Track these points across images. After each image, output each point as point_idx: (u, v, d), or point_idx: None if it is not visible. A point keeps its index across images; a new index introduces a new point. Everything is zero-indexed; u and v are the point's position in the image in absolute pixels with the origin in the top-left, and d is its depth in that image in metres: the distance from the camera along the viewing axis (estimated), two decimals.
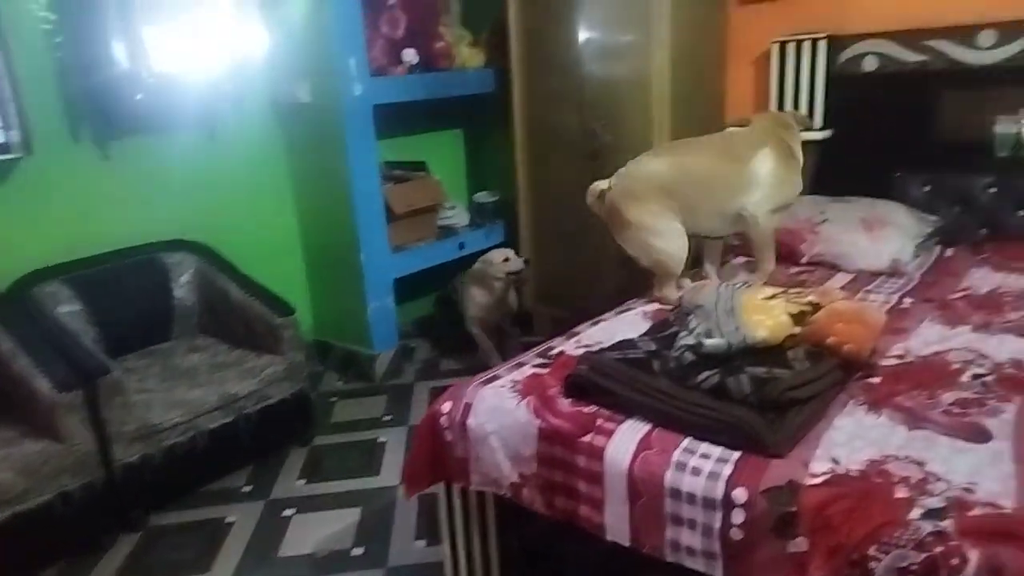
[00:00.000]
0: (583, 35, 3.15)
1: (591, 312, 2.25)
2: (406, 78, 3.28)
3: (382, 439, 2.78)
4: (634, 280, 3.10)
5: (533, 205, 3.58)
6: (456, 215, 3.73)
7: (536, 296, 3.70)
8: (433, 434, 1.75)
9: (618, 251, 2.47)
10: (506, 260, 3.19)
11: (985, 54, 2.59)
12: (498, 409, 1.66)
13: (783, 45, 3.00)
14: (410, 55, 3.28)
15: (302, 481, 2.54)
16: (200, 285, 2.88)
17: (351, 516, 2.30)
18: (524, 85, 3.43)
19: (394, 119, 3.46)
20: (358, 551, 2.13)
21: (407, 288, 3.61)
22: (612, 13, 3.05)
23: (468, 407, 1.70)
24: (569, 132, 3.30)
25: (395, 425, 2.90)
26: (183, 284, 2.86)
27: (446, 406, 1.74)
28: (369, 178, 3.16)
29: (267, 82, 3.20)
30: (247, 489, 2.51)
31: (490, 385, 1.74)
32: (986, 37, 2.57)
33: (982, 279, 2.27)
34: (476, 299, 3.28)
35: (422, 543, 2.14)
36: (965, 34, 2.60)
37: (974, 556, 1.07)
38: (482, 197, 3.90)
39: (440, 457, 1.75)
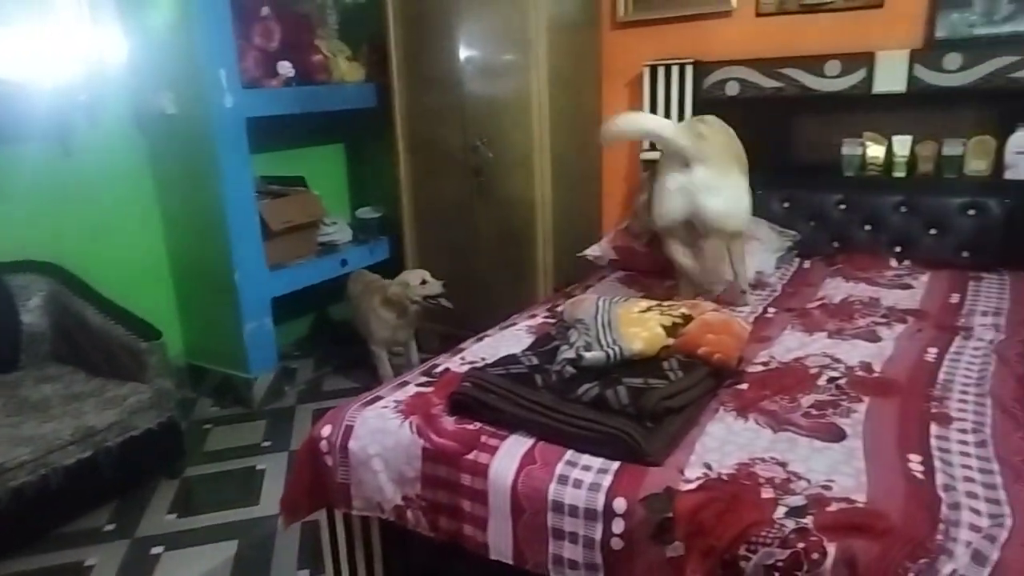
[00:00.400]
0: (463, 54, 3.17)
1: (479, 328, 2.25)
2: (282, 91, 3.18)
3: (261, 466, 2.66)
4: (520, 294, 3.16)
5: (418, 221, 3.56)
6: (338, 231, 3.64)
7: (421, 314, 3.66)
8: (313, 459, 1.68)
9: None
10: (423, 283, 3.05)
11: (832, 82, 2.82)
12: (380, 431, 1.62)
13: (654, 68, 3.15)
14: (285, 67, 3.19)
15: (172, 516, 2.38)
16: (53, 309, 2.65)
17: (227, 550, 2.18)
18: (405, 101, 3.41)
19: (271, 133, 3.35)
20: None
21: (288, 307, 3.48)
22: (491, 34, 3.09)
23: (349, 430, 1.65)
24: (452, 148, 3.31)
25: (275, 451, 2.77)
26: (32, 308, 2.63)
27: (326, 430, 1.68)
28: (243, 193, 3.03)
29: (128, 92, 3.01)
30: (110, 528, 2.33)
31: (372, 407, 1.70)
32: (832, 67, 2.80)
33: (835, 289, 2.46)
34: (385, 320, 3.13)
35: (305, 573, 2.05)
36: (814, 63, 2.83)
37: (832, 550, 1.15)
38: (365, 213, 3.83)
39: (320, 483, 1.69)
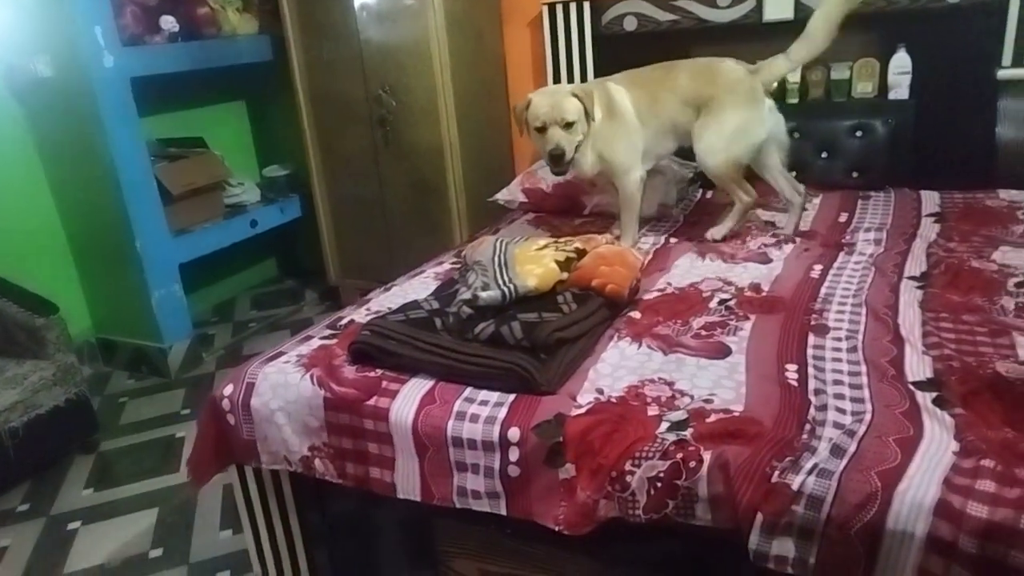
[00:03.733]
0: (358, 0, 3.08)
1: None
2: (167, 47, 3.04)
3: (180, 434, 2.63)
4: (436, 244, 3.15)
5: (327, 175, 3.49)
6: (246, 192, 3.55)
7: (341, 270, 3.63)
8: (216, 419, 1.67)
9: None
10: None
11: (724, 12, 2.86)
12: (282, 385, 1.62)
13: (552, 7, 3.12)
14: (169, 22, 3.04)
15: (89, 491, 2.34)
16: None
17: (147, 518, 2.17)
18: (303, 52, 3.30)
19: (163, 93, 3.21)
20: (156, 553, 2.02)
21: (201, 273, 3.40)
22: None
23: (251, 387, 1.64)
24: (355, 99, 3.24)
25: (195, 418, 2.72)
26: None
27: (228, 389, 1.67)
28: (136, 158, 2.91)
29: None
30: (23, 508, 2.28)
31: (273, 363, 1.70)
32: None
33: None
34: None
35: (228, 533, 2.07)
36: None
37: (707, 457, 1.22)
38: (272, 171, 3.74)
39: (225, 442, 1.68)
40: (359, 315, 1.94)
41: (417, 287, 2.12)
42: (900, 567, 1.08)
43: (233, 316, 3.68)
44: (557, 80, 3.21)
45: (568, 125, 2.09)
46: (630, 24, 3.03)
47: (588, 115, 2.13)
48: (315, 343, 1.79)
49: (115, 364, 3.22)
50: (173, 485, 2.32)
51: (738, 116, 2.25)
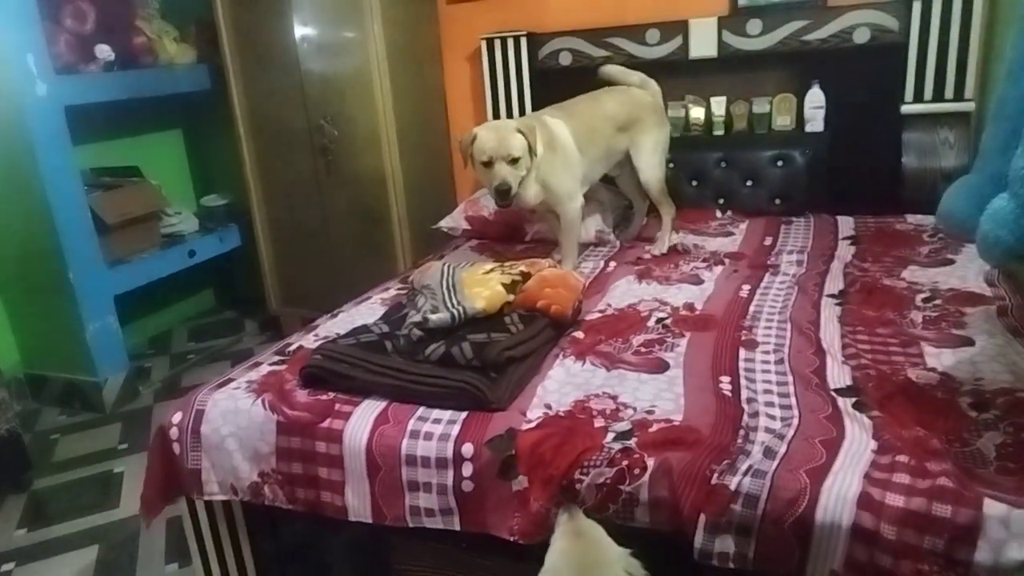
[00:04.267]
0: (299, 32, 3.12)
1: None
2: (103, 76, 3.01)
3: (119, 469, 2.56)
4: (380, 272, 3.18)
5: (268, 204, 3.48)
6: (183, 221, 3.51)
7: (281, 299, 3.61)
8: (164, 449, 1.67)
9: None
10: None
11: (653, 49, 3.02)
12: (233, 411, 1.62)
13: (491, 41, 3.23)
14: (104, 51, 3.01)
15: (22, 531, 2.25)
16: None
17: (87, 556, 2.10)
18: (242, 82, 3.31)
19: (96, 122, 3.16)
20: None
21: (136, 304, 3.33)
22: (324, 10, 3.07)
23: (200, 413, 1.64)
24: (296, 128, 3.27)
25: (133, 452, 2.67)
26: None
27: (176, 417, 1.66)
28: (69, 186, 2.85)
29: None
30: None
31: (223, 389, 1.70)
32: (652, 35, 3.00)
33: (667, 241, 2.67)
34: None
35: (174, 567, 2.03)
36: (636, 32, 3.02)
37: (651, 463, 1.30)
38: (211, 200, 3.71)
39: (172, 472, 1.67)
40: (307, 341, 1.96)
41: (364, 313, 2.15)
42: (830, 556, 1.17)
43: (170, 348, 3.60)
44: (496, 111, 3.31)
45: (514, 160, 2.18)
46: (565, 59, 3.17)
47: (531, 150, 2.22)
48: (264, 369, 1.80)
49: (44, 400, 3.11)
50: (114, 521, 2.25)
51: (661, 133, 2.61)
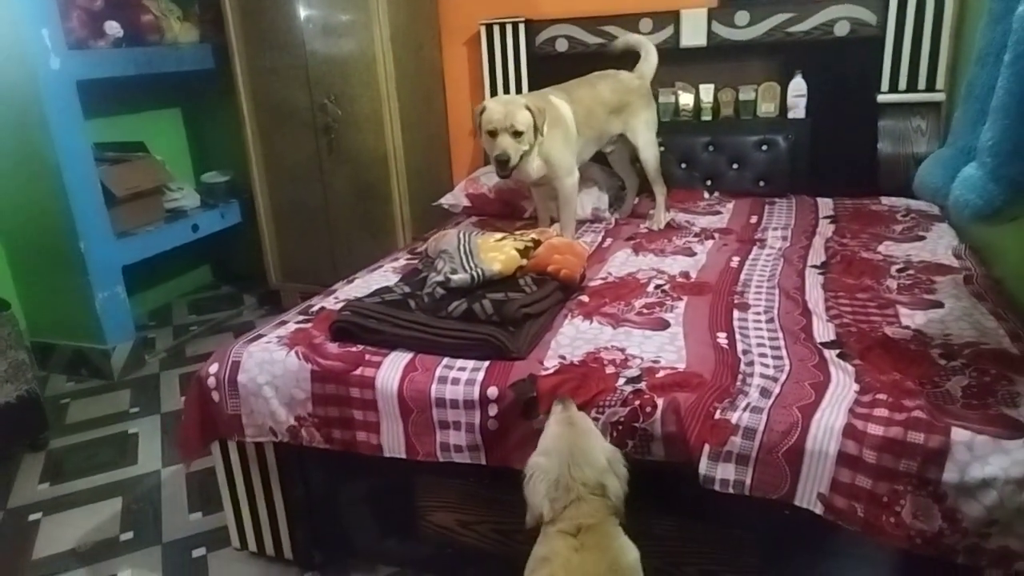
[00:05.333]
0: (303, 12, 3.21)
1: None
2: (113, 52, 3.08)
3: (133, 430, 2.65)
4: (380, 248, 3.30)
5: (269, 182, 3.57)
6: (185, 197, 3.58)
7: (282, 274, 3.71)
8: (201, 397, 1.78)
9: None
10: None
11: (647, 38, 3.16)
12: (268, 361, 1.74)
13: (489, 27, 3.36)
14: (113, 27, 3.08)
15: (45, 485, 2.35)
16: None
17: (112, 506, 2.20)
18: (246, 61, 3.39)
19: (103, 97, 3.22)
20: (127, 536, 2.06)
21: (137, 278, 3.40)
22: None
23: (237, 364, 1.76)
24: (299, 107, 3.36)
25: (145, 415, 2.77)
26: None
27: (213, 367, 1.78)
28: (81, 160, 2.93)
29: None
30: None
31: (256, 343, 1.82)
32: (645, 23, 3.15)
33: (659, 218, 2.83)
34: None
35: (198, 515, 2.14)
36: (630, 20, 3.16)
37: (660, 402, 1.45)
38: (211, 177, 3.79)
39: (210, 418, 1.79)
40: (328, 303, 2.08)
41: (379, 279, 2.28)
42: (818, 480, 1.33)
43: (172, 320, 3.68)
44: (495, 94, 3.43)
45: (517, 134, 2.31)
46: (561, 45, 3.30)
47: (537, 128, 2.34)
48: (291, 327, 1.92)
49: (52, 367, 3.18)
50: (134, 476, 2.35)
51: (651, 114, 2.82)
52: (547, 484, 1.25)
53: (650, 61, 2.85)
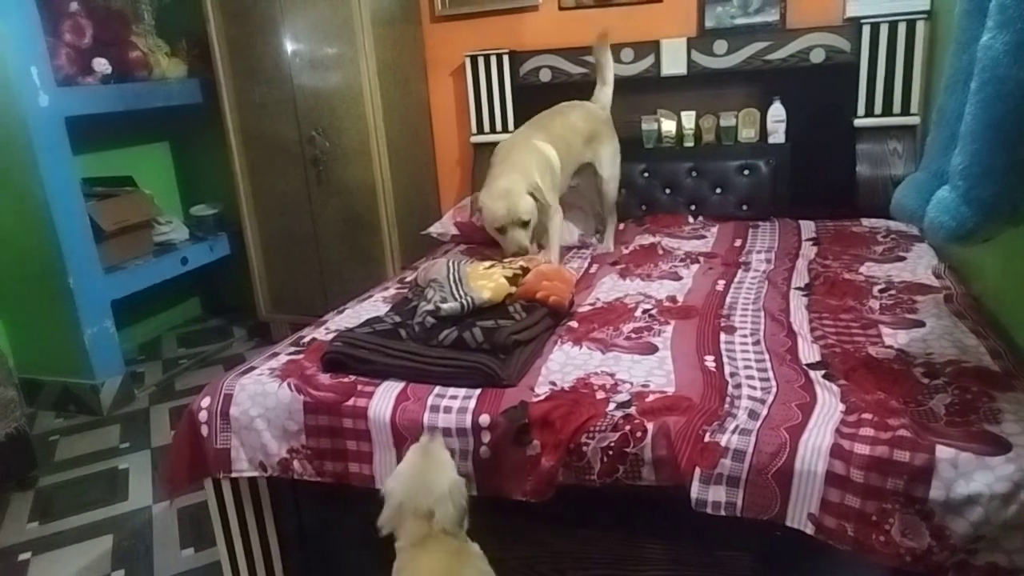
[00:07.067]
0: (290, 47, 3.26)
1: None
2: (101, 89, 3.11)
3: (123, 466, 2.63)
4: (370, 278, 3.32)
5: (258, 214, 3.59)
6: (174, 230, 3.60)
7: (271, 305, 3.71)
8: (192, 431, 1.78)
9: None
10: None
11: (628, 67, 3.24)
12: (260, 394, 1.75)
13: (474, 59, 3.42)
14: (101, 64, 3.11)
15: (34, 523, 2.32)
16: None
17: (103, 544, 2.19)
18: (234, 95, 3.43)
19: (91, 133, 3.24)
20: (118, 574, 2.05)
21: (126, 312, 3.40)
22: (317, 28, 3.22)
23: (229, 397, 1.77)
24: (287, 140, 3.40)
25: (135, 451, 2.75)
26: None
27: (205, 401, 1.78)
28: (70, 195, 2.95)
29: None
30: None
31: (248, 375, 1.83)
32: (627, 53, 3.22)
33: (644, 243, 2.87)
34: None
35: (190, 551, 2.12)
36: (612, 51, 3.21)
37: (650, 426, 1.47)
38: (200, 210, 3.80)
39: (199, 454, 1.78)
40: (319, 333, 2.09)
41: (369, 309, 2.29)
42: (808, 500, 1.35)
43: (161, 354, 3.67)
44: (480, 124, 3.49)
45: (524, 224, 2.40)
46: (545, 76, 3.37)
47: (540, 204, 2.44)
48: (283, 358, 1.93)
49: (40, 404, 3.16)
50: (125, 512, 2.33)
51: (615, 145, 2.88)
52: (391, 506, 1.40)
53: (606, 91, 2.92)
